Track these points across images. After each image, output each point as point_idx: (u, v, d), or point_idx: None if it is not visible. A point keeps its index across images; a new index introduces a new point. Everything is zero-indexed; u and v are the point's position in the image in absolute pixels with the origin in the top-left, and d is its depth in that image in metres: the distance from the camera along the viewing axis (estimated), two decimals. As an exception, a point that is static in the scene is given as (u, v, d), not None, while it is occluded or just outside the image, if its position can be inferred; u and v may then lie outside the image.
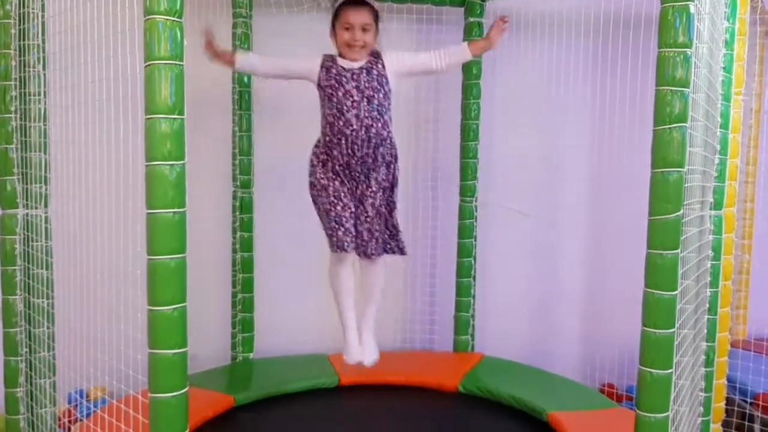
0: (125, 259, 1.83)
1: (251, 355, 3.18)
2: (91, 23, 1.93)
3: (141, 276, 1.51)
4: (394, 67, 2.37)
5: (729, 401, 2.84)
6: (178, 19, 1.45)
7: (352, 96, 2.29)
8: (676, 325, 1.63)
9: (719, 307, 2.43)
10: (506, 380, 2.90)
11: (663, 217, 1.56)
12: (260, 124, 3.15)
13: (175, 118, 1.46)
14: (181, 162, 1.47)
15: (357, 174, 2.35)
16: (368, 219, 2.37)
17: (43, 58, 2.23)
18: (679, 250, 1.59)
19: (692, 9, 1.53)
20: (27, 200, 2.26)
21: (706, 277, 2.30)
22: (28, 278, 2.27)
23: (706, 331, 2.34)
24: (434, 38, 3.33)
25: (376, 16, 2.35)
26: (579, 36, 3.17)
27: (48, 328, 2.27)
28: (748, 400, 3.00)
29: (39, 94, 2.23)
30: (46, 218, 2.27)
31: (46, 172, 2.26)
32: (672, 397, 1.64)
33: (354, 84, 2.29)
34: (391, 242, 2.46)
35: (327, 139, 2.34)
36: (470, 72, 3.17)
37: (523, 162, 3.41)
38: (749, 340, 3.55)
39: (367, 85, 2.30)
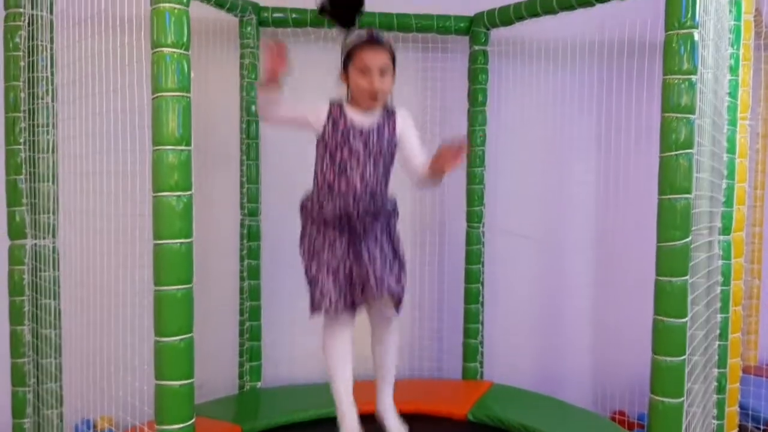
0: (132, 289, 1.84)
1: (259, 384, 3.16)
2: (99, 56, 1.96)
3: (148, 306, 1.51)
4: (402, 132, 2.16)
5: (741, 428, 2.80)
6: (185, 52, 1.48)
7: (358, 156, 2.08)
8: (687, 352, 1.62)
9: (730, 332, 2.41)
10: (516, 408, 2.87)
11: (671, 243, 1.56)
12: (267, 152, 3.17)
13: (182, 150, 1.47)
14: (188, 192, 1.49)
15: (354, 230, 2.15)
16: (375, 263, 2.14)
17: (52, 90, 2.26)
18: (687, 277, 1.59)
19: (696, 36, 1.55)
20: (35, 230, 2.28)
21: (716, 303, 2.29)
22: (36, 308, 2.27)
23: (717, 357, 2.33)
24: (440, 66, 3.35)
25: (393, 59, 2.12)
26: (584, 63, 3.18)
27: (55, 358, 2.27)
28: (761, 426, 2.96)
29: (48, 126, 2.26)
30: (54, 248, 2.28)
31: (54, 202, 2.27)
32: (684, 426, 1.62)
33: (362, 143, 2.08)
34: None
35: (323, 196, 2.14)
36: (476, 99, 3.18)
37: (529, 187, 3.40)
38: (761, 366, 3.51)
39: (375, 146, 2.09)
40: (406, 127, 2.17)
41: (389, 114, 2.15)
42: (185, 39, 1.48)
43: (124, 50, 1.83)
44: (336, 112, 2.11)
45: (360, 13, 2.15)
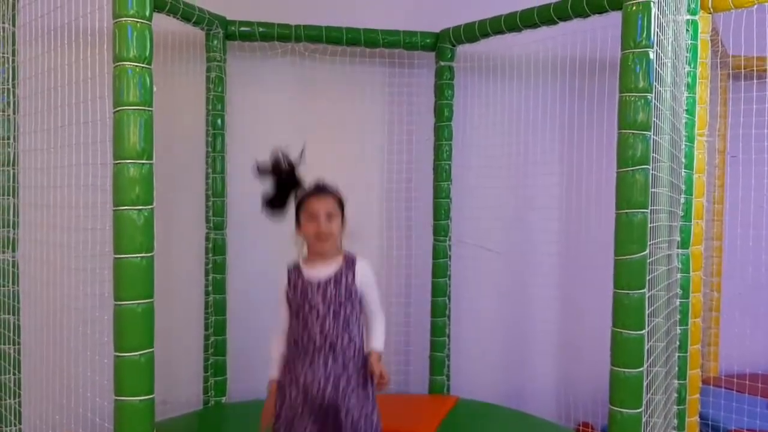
0: (93, 304, 1.82)
1: (224, 400, 3.13)
2: (62, 69, 1.95)
3: (108, 321, 1.50)
4: (362, 282, 2.18)
5: (702, 439, 2.86)
6: (147, 66, 1.47)
7: (318, 309, 2.12)
8: (646, 364, 1.65)
9: (689, 344, 2.46)
10: (483, 425, 2.87)
11: (628, 257, 1.59)
12: (234, 165, 3.16)
13: (143, 163, 1.47)
14: (150, 207, 1.48)
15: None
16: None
17: (14, 102, 2.23)
18: (645, 290, 1.61)
19: (652, 55, 1.58)
20: (-5, 245, 2.24)
21: (675, 315, 2.33)
22: (-5, 324, 2.24)
23: (677, 368, 2.37)
24: (406, 81, 3.38)
25: (341, 205, 2.22)
26: (548, 79, 3.24)
27: (15, 374, 2.23)
28: (722, 437, 3.01)
29: (9, 138, 2.23)
30: (14, 263, 2.24)
31: (15, 216, 2.24)
32: (643, 437, 1.64)
33: (320, 296, 2.13)
34: None
35: (292, 354, 2.18)
36: (442, 114, 3.22)
37: (495, 201, 3.44)
38: (721, 377, 3.57)
39: (333, 298, 2.13)
40: (365, 280, 2.19)
41: (349, 263, 2.18)
42: (148, 53, 1.47)
43: (86, 64, 1.82)
44: (294, 276, 2.18)
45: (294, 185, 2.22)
